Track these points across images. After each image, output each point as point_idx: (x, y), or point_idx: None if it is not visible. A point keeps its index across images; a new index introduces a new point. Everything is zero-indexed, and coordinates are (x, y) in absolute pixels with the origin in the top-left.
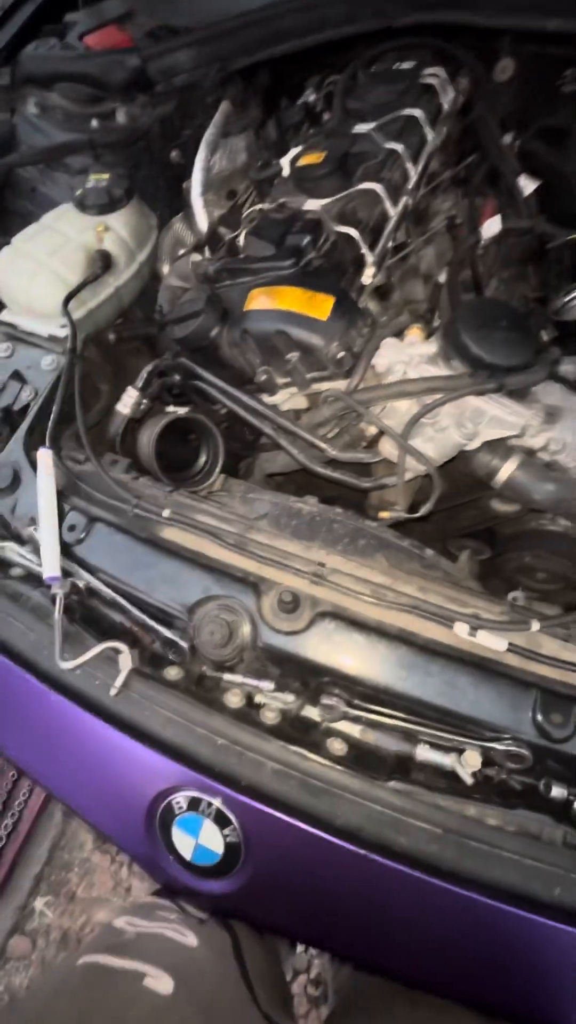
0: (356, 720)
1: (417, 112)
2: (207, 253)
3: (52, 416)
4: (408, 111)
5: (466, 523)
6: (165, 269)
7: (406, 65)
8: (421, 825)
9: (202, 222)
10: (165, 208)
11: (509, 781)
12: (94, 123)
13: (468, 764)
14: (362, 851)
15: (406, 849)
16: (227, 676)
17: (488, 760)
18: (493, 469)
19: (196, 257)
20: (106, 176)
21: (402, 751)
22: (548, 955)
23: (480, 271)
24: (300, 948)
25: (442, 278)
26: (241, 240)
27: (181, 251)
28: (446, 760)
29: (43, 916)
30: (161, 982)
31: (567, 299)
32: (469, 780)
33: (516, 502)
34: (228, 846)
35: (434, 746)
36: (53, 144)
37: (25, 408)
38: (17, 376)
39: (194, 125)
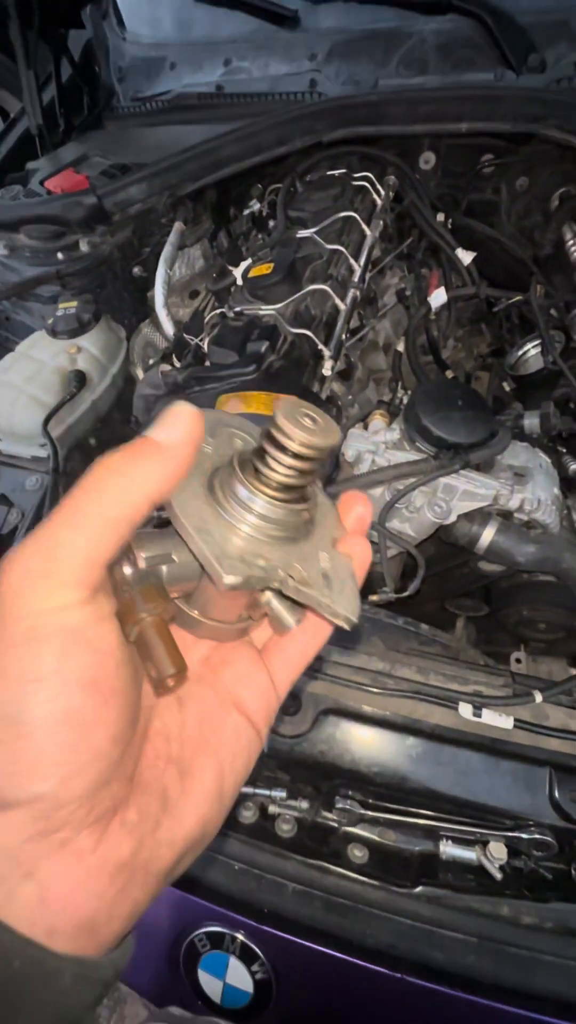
0: (374, 822)
1: (353, 212)
2: (175, 362)
3: None
4: (345, 213)
5: (459, 584)
6: (138, 372)
7: (338, 171)
8: (455, 936)
9: (168, 329)
10: (132, 316)
11: (539, 871)
12: (59, 256)
13: (494, 857)
14: (397, 974)
15: (443, 965)
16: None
17: (514, 850)
18: (474, 536)
19: (165, 367)
20: (74, 303)
21: (425, 850)
22: None
23: (435, 335)
24: None
25: (400, 346)
26: (205, 346)
27: (151, 356)
28: (471, 855)
29: None
30: None
31: (520, 353)
32: (498, 875)
33: (501, 564)
34: (258, 984)
35: (457, 841)
36: (23, 279)
37: (13, 531)
38: (4, 500)
39: (152, 243)
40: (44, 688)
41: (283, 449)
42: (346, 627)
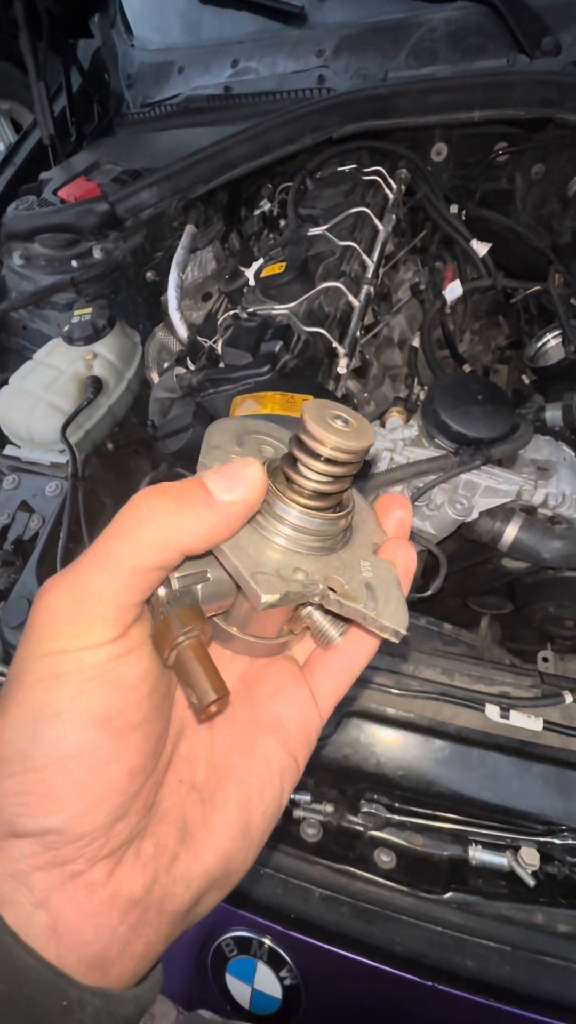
0: (401, 826)
1: (365, 208)
2: (190, 365)
3: (60, 542)
4: (356, 209)
5: (482, 581)
6: (154, 376)
7: (348, 167)
8: (488, 944)
9: (182, 332)
10: (146, 321)
11: (574, 877)
12: (73, 263)
13: (526, 863)
14: (428, 983)
15: (475, 974)
16: None
17: (547, 856)
18: (497, 533)
19: (180, 370)
20: (89, 310)
21: (454, 855)
22: None
23: (451, 328)
24: None
25: (416, 342)
26: (219, 348)
27: (166, 359)
28: (502, 860)
29: None
30: None
31: (539, 345)
32: (531, 881)
33: (525, 561)
34: (287, 989)
35: (487, 846)
36: (39, 288)
37: (35, 537)
38: (25, 506)
39: (164, 247)
40: (57, 724)
41: (315, 455)
42: (394, 640)
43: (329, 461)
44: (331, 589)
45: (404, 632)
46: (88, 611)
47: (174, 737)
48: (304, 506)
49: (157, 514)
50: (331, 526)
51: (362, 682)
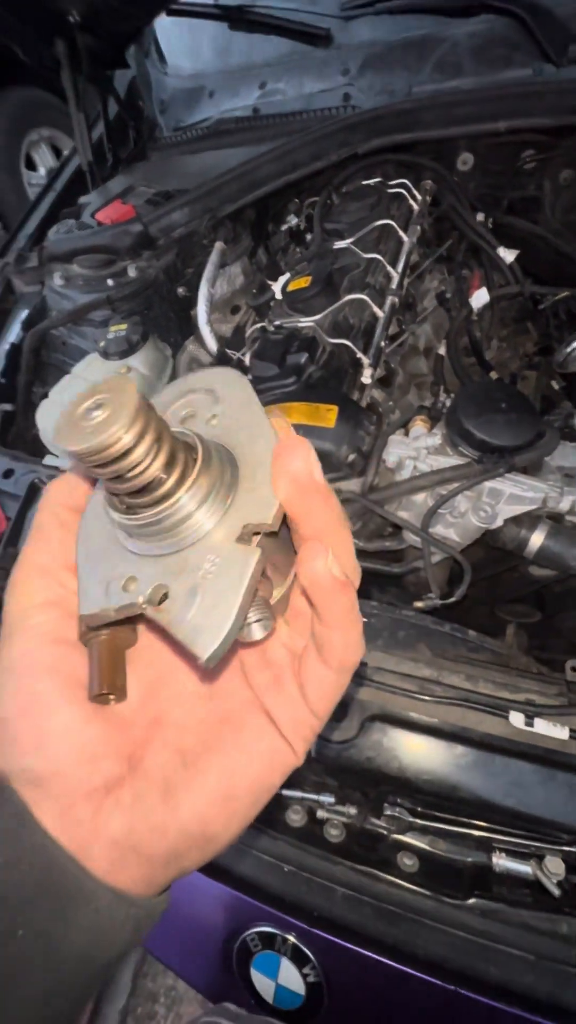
0: (424, 830)
1: (390, 220)
2: None
3: None
4: (381, 221)
5: (510, 589)
6: None
7: (373, 181)
8: (511, 952)
9: (211, 345)
10: (178, 335)
11: None
12: (109, 282)
13: (551, 872)
14: (451, 987)
15: (498, 981)
16: (287, 792)
17: (572, 866)
18: (523, 541)
19: None
20: (124, 326)
21: (478, 861)
22: None
23: (478, 336)
24: None
25: (442, 350)
26: (247, 360)
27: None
28: (527, 868)
29: None
30: None
31: (568, 350)
32: (556, 891)
33: (552, 569)
34: (310, 986)
35: (511, 854)
36: (77, 306)
37: None
38: None
39: (194, 264)
40: (13, 678)
41: (94, 466)
42: (203, 664)
43: (103, 464)
44: (160, 598)
45: (206, 656)
46: (24, 572)
47: (164, 703)
48: (126, 507)
49: (52, 483)
50: (166, 520)
51: (384, 686)
